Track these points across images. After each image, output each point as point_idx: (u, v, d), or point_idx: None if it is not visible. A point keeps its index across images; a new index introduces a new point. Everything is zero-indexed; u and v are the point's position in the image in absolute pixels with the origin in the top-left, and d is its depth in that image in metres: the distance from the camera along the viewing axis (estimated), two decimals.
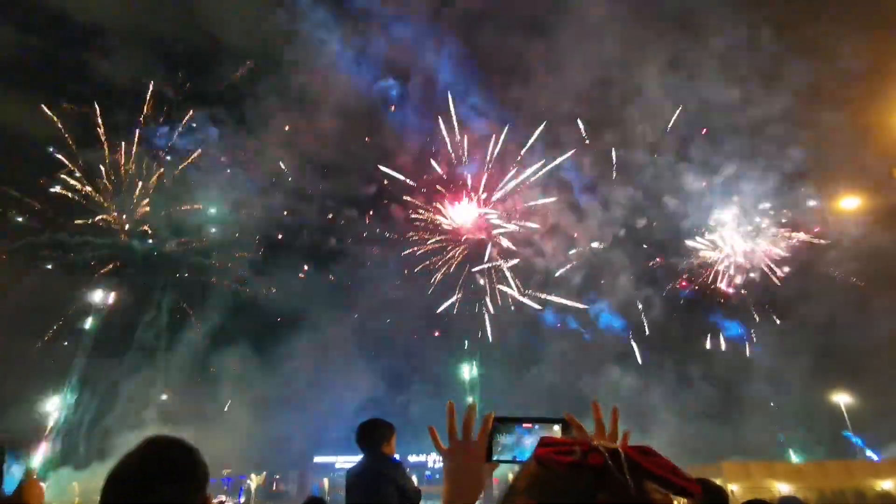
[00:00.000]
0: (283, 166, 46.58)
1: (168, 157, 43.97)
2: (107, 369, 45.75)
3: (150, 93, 42.76)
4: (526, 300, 50.46)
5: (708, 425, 42.87)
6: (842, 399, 37.45)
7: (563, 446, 0.93)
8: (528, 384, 50.25)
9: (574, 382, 47.30)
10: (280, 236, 49.77)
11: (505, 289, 50.77)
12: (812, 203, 42.60)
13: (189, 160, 43.83)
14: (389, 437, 4.50)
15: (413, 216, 50.05)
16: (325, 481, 59.23)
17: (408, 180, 49.42)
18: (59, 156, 40.98)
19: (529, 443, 1.73)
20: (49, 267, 41.44)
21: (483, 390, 51.91)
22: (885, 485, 30.47)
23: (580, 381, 47.40)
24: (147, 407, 42.89)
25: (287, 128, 46.98)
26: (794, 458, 40.87)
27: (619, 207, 49.23)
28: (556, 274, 50.35)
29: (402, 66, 50.37)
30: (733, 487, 31.97)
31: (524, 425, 1.74)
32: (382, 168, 48.84)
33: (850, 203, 36.08)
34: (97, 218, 42.59)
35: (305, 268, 49.96)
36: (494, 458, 1.70)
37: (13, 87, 39.95)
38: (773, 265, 45.83)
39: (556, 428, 1.74)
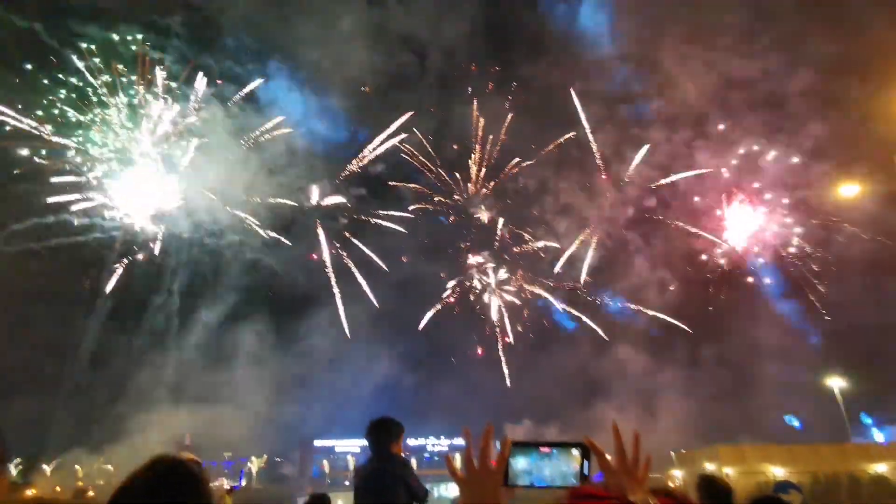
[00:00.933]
0: (293, 145, 45.90)
1: (174, 138, 43.39)
2: (116, 352, 46.06)
3: (142, 65, 41.84)
4: (543, 292, 50.33)
5: (716, 407, 43.41)
6: (836, 383, 37.82)
7: (598, 501, 0.87)
8: (542, 373, 50.51)
9: (587, 369, 47.56)
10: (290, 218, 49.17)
11: (532, 286, 50.58)
12: (821, 183, 42.48)
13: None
14: (398, 437, 4.55)
15: (422, 195, 49.19)
16: (326, 464, 60.15)
17: (419, 155, 48.60)
18: (58, 138, 40.45)
19: (547, 468, 1.70)
20: (55, 248, 41.11)
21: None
22: (879, 468, 30.89)
23: (593, 368, 47.62)
24: (156, 390, 43.24)
25: (298, 104, 46.25)
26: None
27: (634, 188, 48.47)
28: (558, 266, 49.92)
29: (417, 41, 49.57)
30: (728, 471, 32.44)
31: (542, 449, 1.71)
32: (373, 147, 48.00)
33: (849, 189, 35.89)
34: (97, 203, 42.24)
35: (314, 256, 49.33)
36: (511, 483, 1.66)
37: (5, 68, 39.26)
38: (784, 246, 46.01)
39: (575, 452, 1.69)
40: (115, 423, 41.76)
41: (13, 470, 44.54)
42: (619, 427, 1.70)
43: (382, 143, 47.96)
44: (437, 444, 57.13)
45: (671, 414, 42.44)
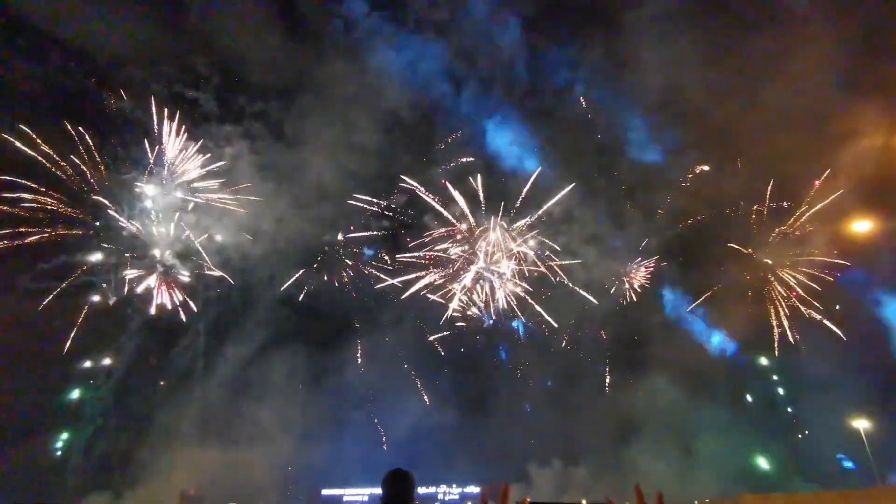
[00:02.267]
0: (320, 180, 46.94)
1: (202, 177, 44.37)
2: (135, 398, 45.70)
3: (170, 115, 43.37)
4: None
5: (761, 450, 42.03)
6: (861, 424, 36.54)
7: None
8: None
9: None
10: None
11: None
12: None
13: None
14: (414, 491, 4.56)
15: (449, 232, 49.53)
16: None
17: (435, 204, 49.36)
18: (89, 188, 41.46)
19: None
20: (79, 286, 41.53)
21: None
22: None
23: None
24: (164, 437, 42.66)
25: (322, 143, 47.45)
26: None
27: (669, 216, 49.58)
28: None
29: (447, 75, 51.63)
30: None
31: None
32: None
33: (862, 226, 35.72)
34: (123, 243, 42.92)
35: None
36: None
37: (39, 120, 40.86)
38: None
39: None
40: (143, 468, 41.36)
41: None
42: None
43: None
44: (448, 493, 55.04)
45: (705, 458, 41.09)
